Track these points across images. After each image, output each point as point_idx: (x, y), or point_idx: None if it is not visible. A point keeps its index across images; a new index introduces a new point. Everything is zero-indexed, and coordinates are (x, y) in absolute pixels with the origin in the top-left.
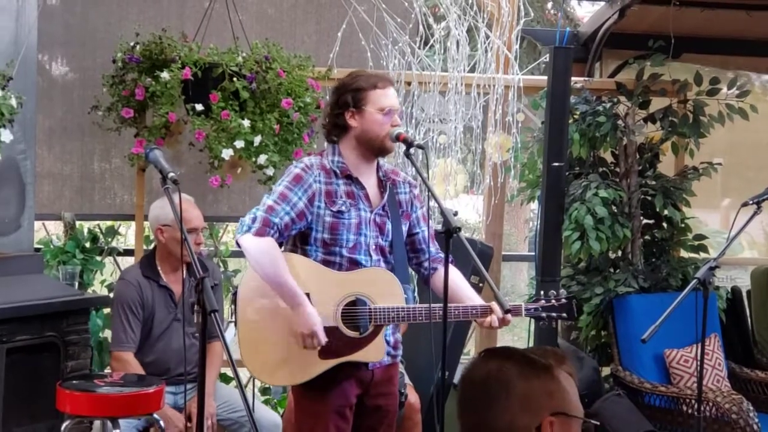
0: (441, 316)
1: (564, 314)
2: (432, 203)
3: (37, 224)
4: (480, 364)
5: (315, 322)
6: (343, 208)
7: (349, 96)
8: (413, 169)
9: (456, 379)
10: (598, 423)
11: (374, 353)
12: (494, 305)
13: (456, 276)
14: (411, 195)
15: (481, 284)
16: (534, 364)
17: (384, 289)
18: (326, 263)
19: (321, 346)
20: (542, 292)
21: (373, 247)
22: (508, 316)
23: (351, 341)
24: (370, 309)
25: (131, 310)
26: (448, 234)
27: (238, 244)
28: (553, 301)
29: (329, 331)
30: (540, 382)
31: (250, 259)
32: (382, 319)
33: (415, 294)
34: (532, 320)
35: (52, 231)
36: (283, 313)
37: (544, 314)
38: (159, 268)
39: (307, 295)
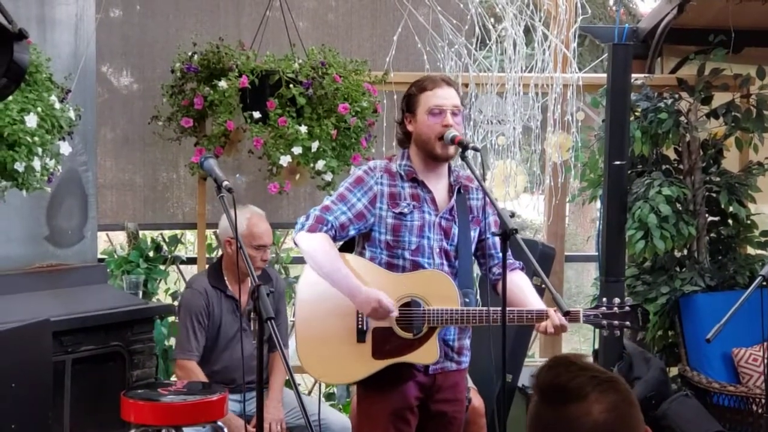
0: (496, 319)
1: (627, 323)
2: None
3: (102, 235)
4: (582, 411)
5: (377, 294)
6: (406, 210)
7: (404, 103)
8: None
9: (520, 382)
10: None
11: (427, 355)
12: (550, 310)
13: (522, 281)
14: (483, 202)
15: (543, 286)
16: (627, 387)
17: (439, 292)
18: (390, 266)
19: (393, 312)
20: (605, 299)
21: (437, 250)
22: (565, 322)
23: (404, 342)
24: (424, 310)
25: (198, 319)
26: (504, 236)
27: (296, 244)
28: (615, 308)
29: (383, 331)
30: (636, 401)
31: (305, 255)
32: (437, 320)
33: (478, 298)
34: None
35: (116, 241)
36: (337, 312)
37: (604, 321)
38: (225, 278)
39: None
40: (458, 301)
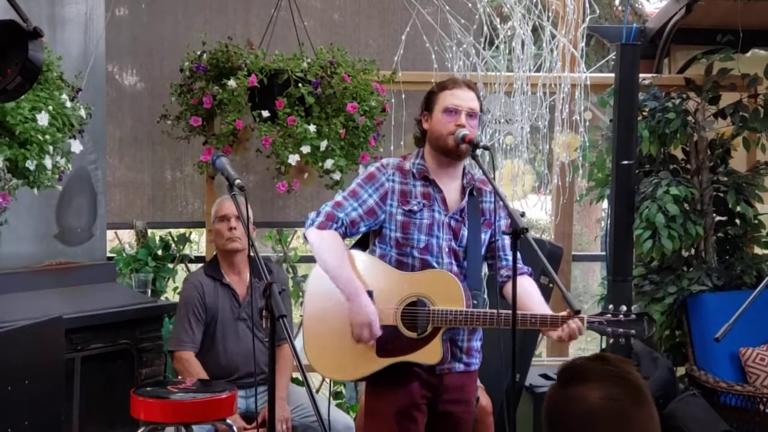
0: (503, 321)
1: (632, 331)
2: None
3: (110, 233)
4: (580, 394)
5: (371, 312)
6: (416, 207)
7: (424, 101)
8: (480, 170)
9: (528, 381)
10: None
11: (430, 355)
12: (573, 320)
13: (531, 287)
14: (496, 205)
15: (550, 285)
16: (640, 390)
17: (445, 292)
18: (400, 264)
19: (375, 338)
20: (611, 306)
21: (446, 249)
22: (581, 326)
23: (408, 342)
24: (428, 310)
25: (192, 311)
26: (515, 235)
27: (305, 239)
28: (621, 316)
29: (388, 329)
30: (648, 408)
31: (313, 251)
32: (441, 321)
33: (486, 297)
34: None
35: (125, 239)
36: (343, 308)
37: (609, 329)
38: (222, 269)
39: (370, 293)
40: (464, 302)
